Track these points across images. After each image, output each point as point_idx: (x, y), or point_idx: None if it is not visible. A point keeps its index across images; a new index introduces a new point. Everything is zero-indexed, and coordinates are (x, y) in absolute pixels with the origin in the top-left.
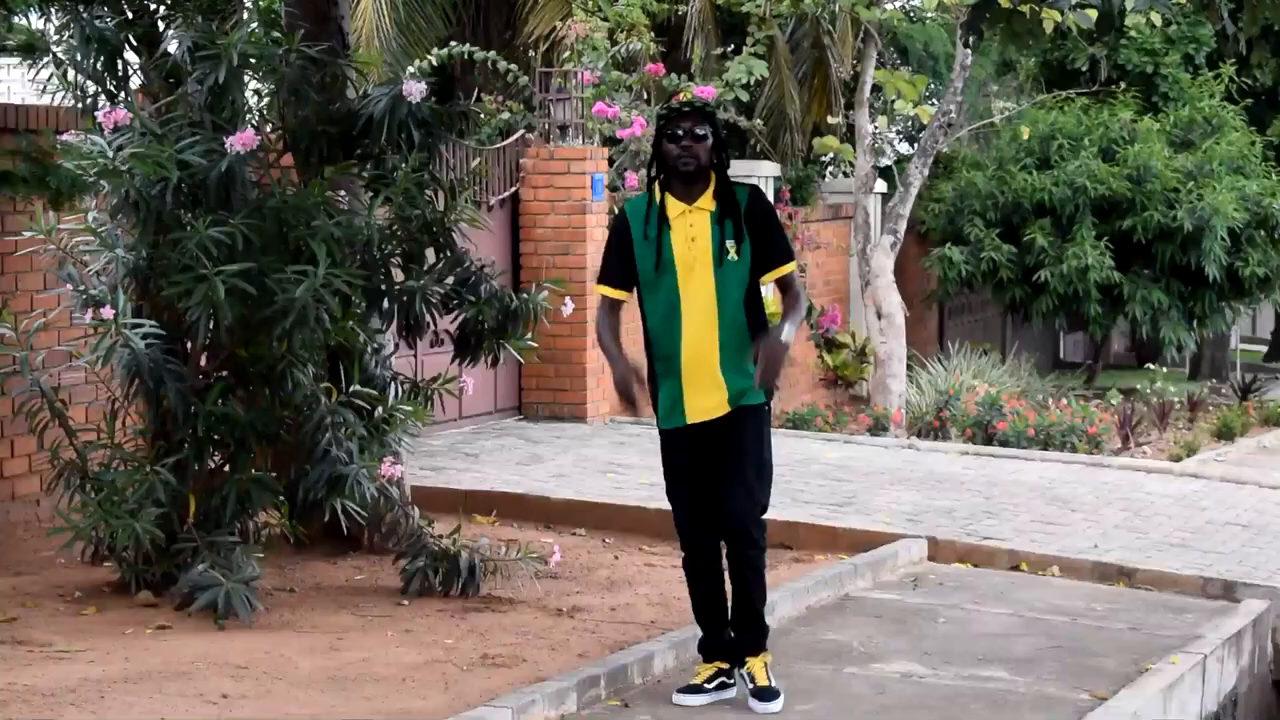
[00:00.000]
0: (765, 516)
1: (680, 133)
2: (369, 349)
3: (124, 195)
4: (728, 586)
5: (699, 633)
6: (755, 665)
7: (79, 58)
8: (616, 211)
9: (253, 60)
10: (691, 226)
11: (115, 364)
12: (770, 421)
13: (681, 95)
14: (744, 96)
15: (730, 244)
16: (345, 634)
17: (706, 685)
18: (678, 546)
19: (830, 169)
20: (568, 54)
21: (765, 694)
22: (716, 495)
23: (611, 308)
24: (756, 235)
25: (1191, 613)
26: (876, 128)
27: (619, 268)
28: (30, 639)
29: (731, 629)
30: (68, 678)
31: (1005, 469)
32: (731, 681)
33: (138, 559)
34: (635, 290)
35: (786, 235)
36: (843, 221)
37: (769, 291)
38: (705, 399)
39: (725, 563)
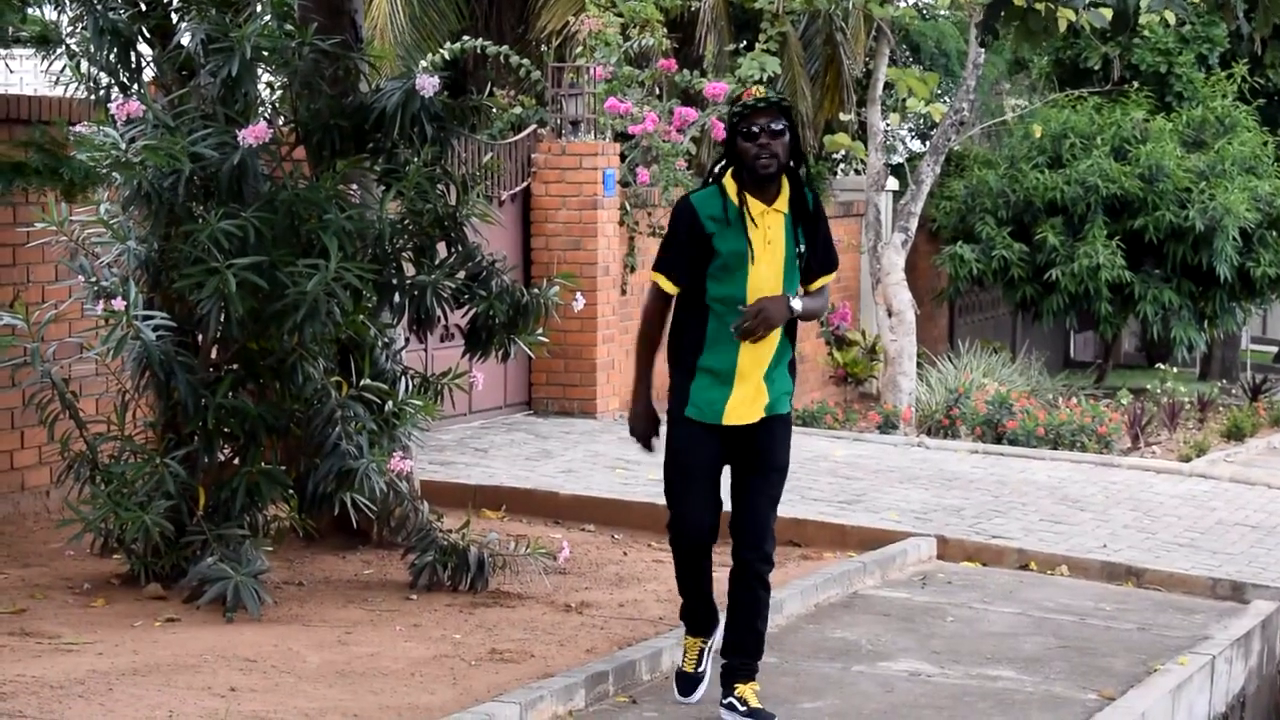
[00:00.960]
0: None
1: (757, 129)
2: (379, 343)
3: (136, 187)
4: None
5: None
6: (747, 692)
7: (92, 49)
8: (679, 201)
9: (265, 53)
10: (769, 229)
11: (126, 356)
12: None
13: (754, 90)
14: (761, 87)
15: (801, 251)
16: (354, 628)
17: (699, 670)
18: None
19: (842, 166)
20: (580, 49)
21: (760, 715)
22: (741, 503)
23: (664, 302)
24: (816, 242)
25: (1200, 613)
26: (888, 125)
27: (683, 259)
28: (39, 631)
29: (725, 653)
30: (76, 670)
31: (1014, 468)
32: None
33: (147, 551)
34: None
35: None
36: (854, 219)
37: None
38: (747, 405)
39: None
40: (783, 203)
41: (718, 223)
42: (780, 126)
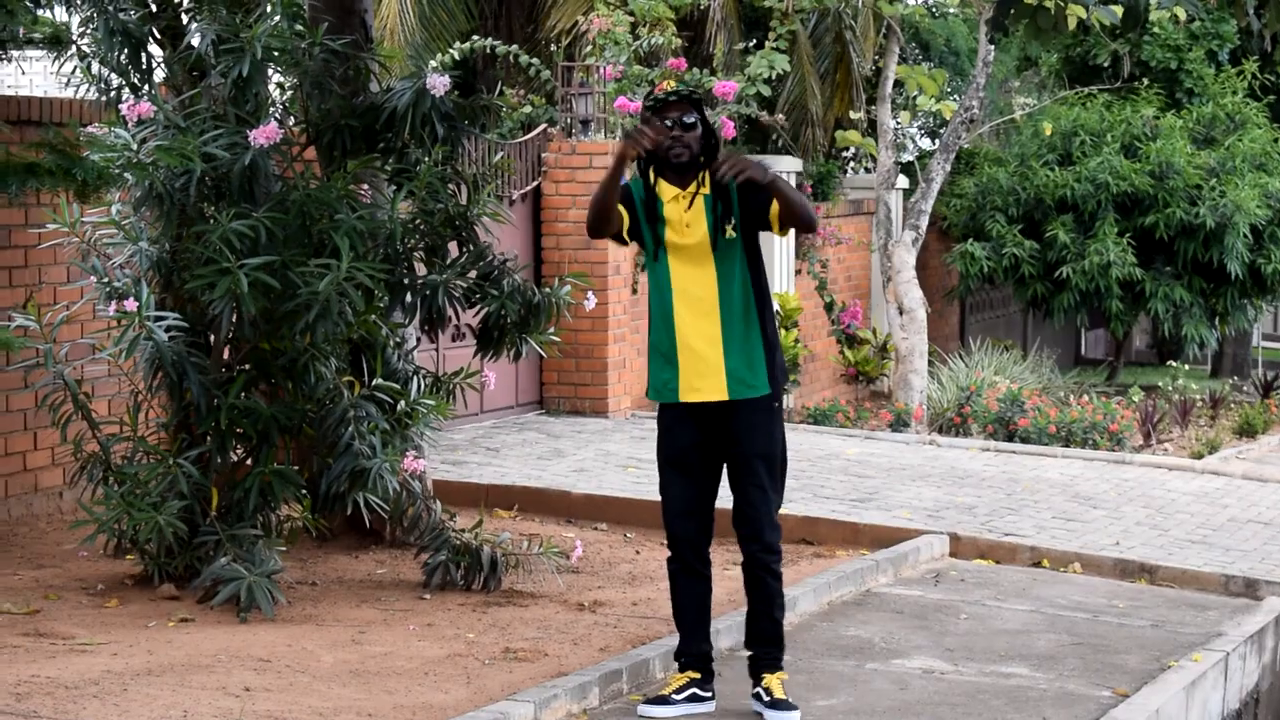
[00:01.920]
0: (786, 512)
1: (669, 123)
2: (391, 343)
3: (148, 188)
4: (719, 596)
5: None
6: (773, 682)
7: (103, 51)
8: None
9: (276, 53)
10: (686, 212)
11: (138, 357)
12: (782, 417)
13: (665, 84)
14: (766, 91)
15: (728, 225)
16: (367, 628)
17: (675, 696)
18: None
19: (852, 164)
20: (590, 48)
21: (783, 705)
22: (735, 495)
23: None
24: (746, 202)
25: (1213, 610)
26: (898, 123)
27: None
28: (53, 631)
29: (748, 644)
30: (90, 670)
31: (1027, 465)
32: (706, 694)
33: (160, 552)
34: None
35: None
36: (864, 217)
37: (791, 289)
38: (702, 381)
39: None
40: (701, 187)
41: (639, 204)
42: (691, 119)
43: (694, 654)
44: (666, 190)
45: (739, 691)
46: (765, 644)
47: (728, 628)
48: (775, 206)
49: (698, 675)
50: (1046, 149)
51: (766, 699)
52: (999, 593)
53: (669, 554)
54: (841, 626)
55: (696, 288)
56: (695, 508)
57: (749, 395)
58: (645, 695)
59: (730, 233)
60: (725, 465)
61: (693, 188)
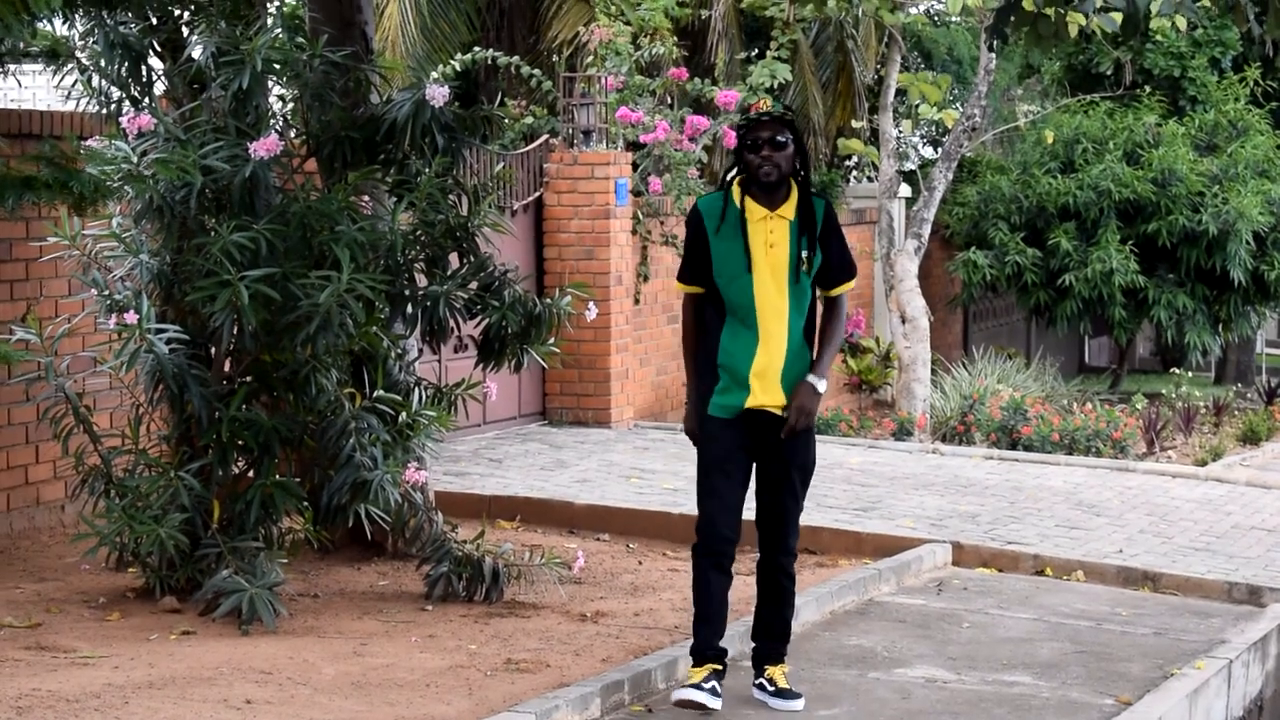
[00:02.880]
0: None
1: (761, 141)
2: (392, 354)
3: (148, 201)
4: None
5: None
6: (776, 673)
7: (103, 63)
8: (690, 208)
9: (276, 65)
10: (772, 233)
11: (139, 369)
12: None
13: (762, 104)
14: (768, 100)
15: (805, 255)
16: (369, 639)
17: (704, 684)
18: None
19: (854, 173)
20: (591, 59)
21: (787, 694)
22: (766, 503)
23: (696, 305)
24: (829, 249)
25: (1217, 617)
26: (900, 132)
27: (693, 264)
28: (55, 645)
29: (755, 636)
30: (92, 684)
31: (1030, 473)
32: (721, 689)
33: (162, 564)
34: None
35: (851, 253)
36: (866, 226)
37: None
38: (763, 397)
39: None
40: (788, 209)
41: (718, 224)
42: (783, 139)
43: (716, 648)
44: (754, 210)
45: (740, 697)
46: (773, 639)
47: (729, 637)
48: (828, 309)
49: (719, 667)
50: (1049, 157)
51: (771, 688)
52: (1002, 601)
53: (701, 553)
54: (844, 636)
55: (774, 310)
56: (734, 511)
57: None
58: (673, 685)
59: (807, 268)
60: (759, 472)
61: (783, 209)
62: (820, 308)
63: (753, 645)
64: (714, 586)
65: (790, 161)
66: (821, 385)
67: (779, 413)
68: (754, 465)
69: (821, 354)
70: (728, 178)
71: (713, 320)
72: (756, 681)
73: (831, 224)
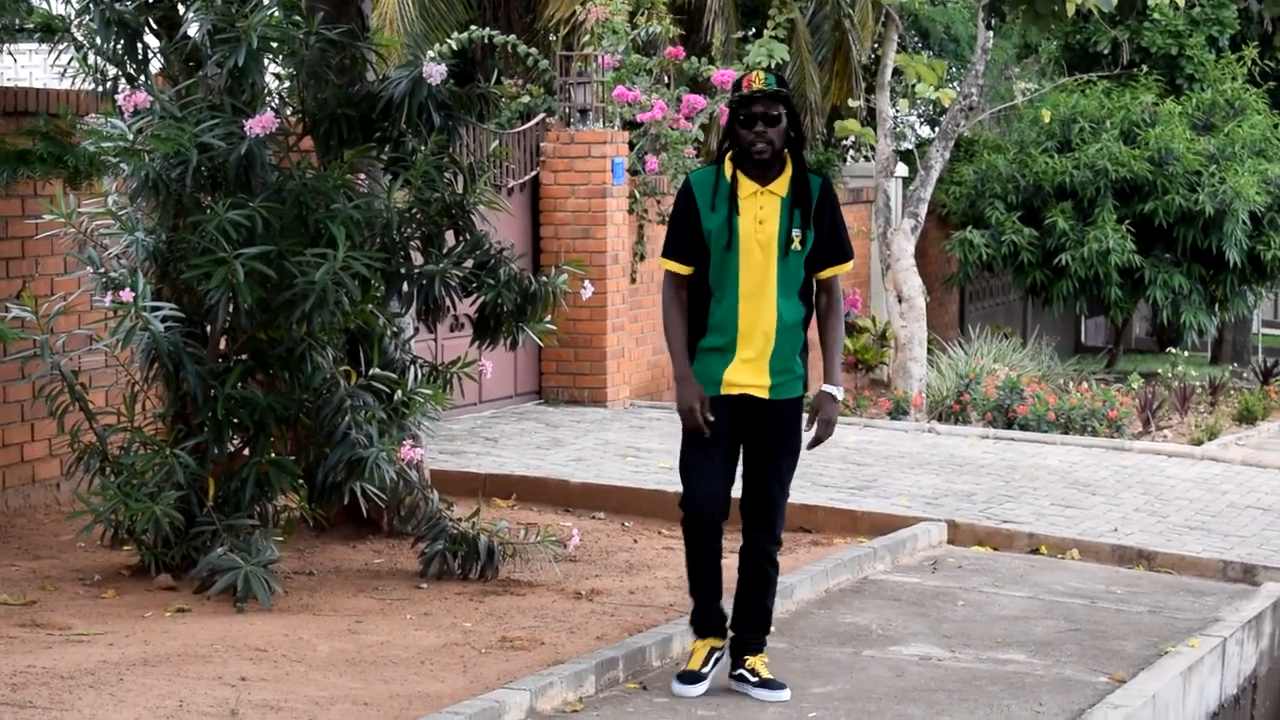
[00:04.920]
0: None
1: (754, 116)
2: (388, 332)
3: (144, 178)
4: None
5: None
6: (757, 663)
7: (99, 41)
8: (681, 183)
9: (272, 43)
10: (762, 209)
11: (135, 347)
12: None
13: (754, 77)
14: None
15: (797, 233)
16: (364, 617)
17: (704, 670)
18: None
19: (851, 152)
20: (588, 38)
21: (772, 684)
22: (752, 487)
23: (677, 285)
24: (822, 228)
25: (1211, 596)
26: (897, 111)
27: (683, 241)
28: (49, 622)
29: (734, 626)
30: (86, 660)
31: (1025, 453)
32: (722, 653)
33: (157, 542)
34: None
35: (848, 234)
36: (863, 205)
37: None
38: (747, 379)
39: (733, 548)
40: (781, 185)
41: (709, 199)
42: (777, 113)
43: (714, 618)
44: (746, 185)
45: (721, 687)
46: (754, 629)
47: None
48: (819, 294)
49: (720, 643)
50: (1045, 136)
51: (754, 679)
52: (996, 579)
53: (686, 524)
54: (839, 614)
55: (760, 288)
56: (720, 487)
57: (786, 396)
58: (675, 673)
59: (798, 246)
60: (746, 455)
61: (775, 185)
62: (817, 295)
63: (731, 635)
64: (703, 560)
65: (783, 136)
66: (839, 392)
67: (765, 396)
68: (740, 447)
69: (831, 359)
70: (719, 151)
71: (696, 299)
72: (736, 672)
73: (828, 203)
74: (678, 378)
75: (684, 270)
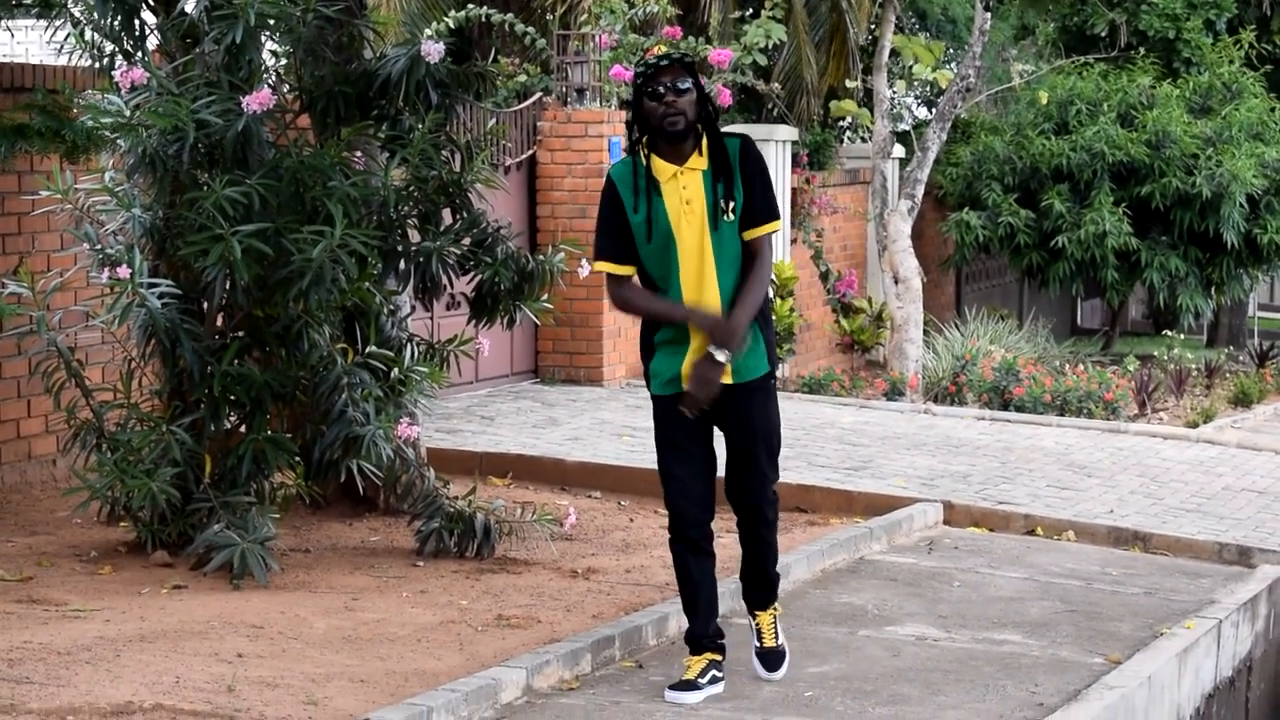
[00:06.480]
0: (780, 480)
1: (661, 89)
2: (385, 310)
3: (140, 154)
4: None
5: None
6: (764, 620)
7: (96, 17)
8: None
9: (270, 20)
10: (685, 189)
11: (131, 324)
12: (776, 390)
13: (655, 49)
14: (762, 60)
15: (727, 203)
16: (360, 594)
17: (700, 680)
18: None
19: (848, 133)
20: (585, 17)
21: (770, 656)
22: (736, 468)
23: (620, 283)
24: (751, 190)
25: (1206, 578)
26: (894, 92)
27: (614, 240)
28: (46, 598)
29: (742, 582)
30: (83, 637)
31: (1021, 434)
32: (721, 674)
33: (153, 519)
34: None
35: (775, 192)
36: (860, 186)
37: (786, 257)
38: None
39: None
40: (699, 160)
41: (631, 191)
42: (686, 85)
43: (710, 635)
44: (663, 169)
45: (739, 658)
46: (756, 587)
47: (720, 595)
48: (792, 260)
49: (717, 657)
50: (1043, 118)
51: (758, 644)
52: (992, 560)
53: (675, 539)
54: (834, 594)
55: (699, 270)
56: (701, 490)
57: (749, 378)
58: (670, 682)
59: (730, 216)
60: (726, 441)
61: (693, 160)
62: (745, 256)
63: (742, 585)
64: (694, 571)
65: (694, 107)
66: (723, 355)
67: (729, 380)
68: (711, 435)
69: (736, 308)
70: (633, 139)
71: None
72: (752, 624)
73: (751, 162)
74: (681, 315)
75: (623, 271)
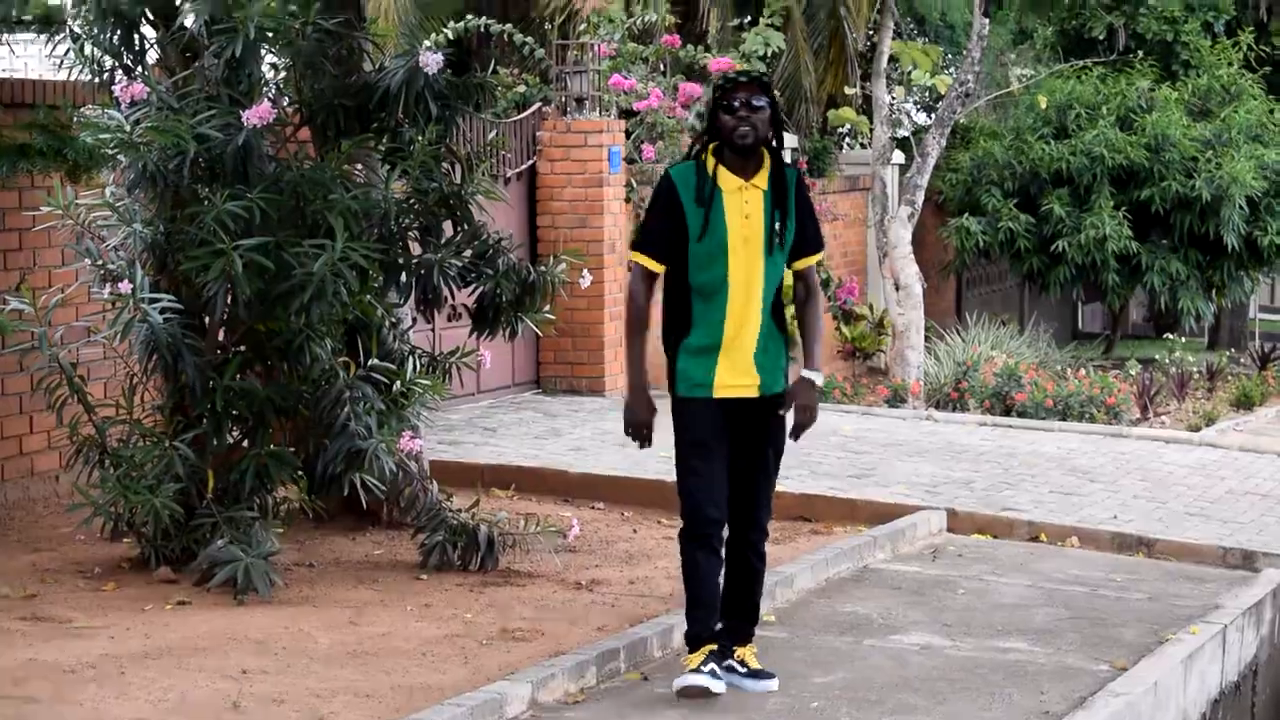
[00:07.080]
0: (783, 489)
1: (737, 104)
2: (386, 323)
3: (141, 169)
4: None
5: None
6: (746, 654)
7: (96, 32)
8: (660, 177)
9: (269, 33)
10: (746, 204)
11: (133, 339)
12: None
13: (738, 66)
14: (761, 68)
15: (780, 231)
16: (364, 609)
17: (702, 668)
18: None
19: (847, 140)
20: (584, 26)
21: (761, 674)
22: (739, 482)
23: (647, 280)
24: (802, 222)
25: (1211, 582)
26: (893, 98)
27: (663, 236)
28: (50, 615)
29: (724, 617)
30: (87, 654)
31: (1023, 440)
32: (724, 663)
33: (157, 535)
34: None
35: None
36: (860, 193)
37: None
38: (737, 378)
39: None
40: (761, 179)
41: (692, 194)
42: (761, 102)
43: (712, 632)
44: (729, 180)
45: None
46: (742, 620)
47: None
48: (797, 283)
49: (715, 646)
50: (1042, 122)
51: (743, 670)
52: (996, 567)
53: (688, 537)
54: (839, 603)
55: (746, 284)
56: (720, 491)
57: (773, 391)
58: (672, 679)
59: (782, 244)
60: (734, 451)
61: (757, 179)
62: (795, 285)
63: (720, 624)
64: (704, 570)
65: (766, 125)
66: (819, 378)
67: (755, 394)
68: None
69: (810, 346)
70: (699, 145)
71: (673, 296)
72: (725, 664)
73: (804, 196)
74: (633, 387)
75: (658, 268)
